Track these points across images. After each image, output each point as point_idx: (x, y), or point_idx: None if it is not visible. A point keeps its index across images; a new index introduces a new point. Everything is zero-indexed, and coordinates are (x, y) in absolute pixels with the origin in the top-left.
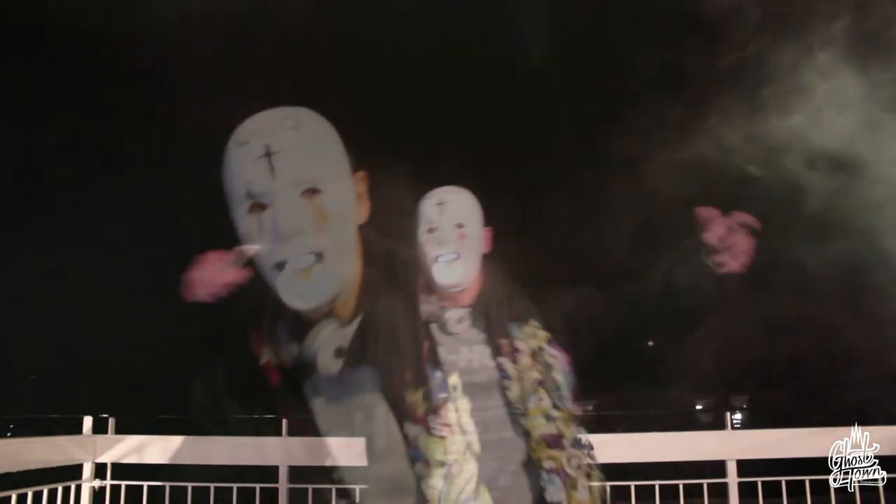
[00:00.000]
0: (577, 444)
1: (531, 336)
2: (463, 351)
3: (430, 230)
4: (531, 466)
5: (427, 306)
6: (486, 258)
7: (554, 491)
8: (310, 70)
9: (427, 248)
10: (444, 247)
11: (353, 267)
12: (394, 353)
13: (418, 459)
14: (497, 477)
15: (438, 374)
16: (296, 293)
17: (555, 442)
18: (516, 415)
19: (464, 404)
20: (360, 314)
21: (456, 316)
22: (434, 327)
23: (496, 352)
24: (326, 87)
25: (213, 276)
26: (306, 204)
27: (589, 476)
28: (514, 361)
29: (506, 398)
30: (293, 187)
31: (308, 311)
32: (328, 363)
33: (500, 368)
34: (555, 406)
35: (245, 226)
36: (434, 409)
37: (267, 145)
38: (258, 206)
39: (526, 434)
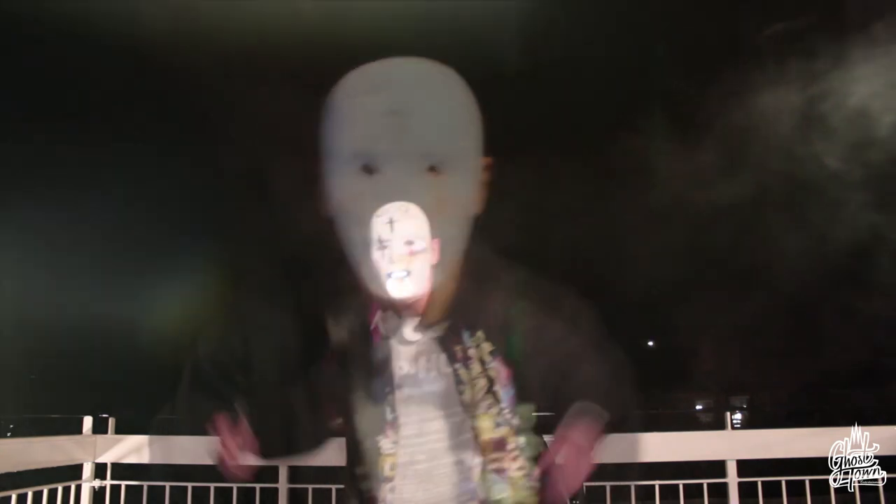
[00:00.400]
0: (519, 449)
1: (477, 346)
2: (421, 361)
3: (381, 247)
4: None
5: (385, 323)
6: (435, 267)
7: (498, 490)
8: None
9: (379, 264)
10: (394, 264)
11: (456, 265)
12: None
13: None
14: (461, 480)
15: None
16: (392, 280)
17: (499, 445)
18: (469, 418)
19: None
20: (448, 318)
21: (412, 324)
22: (393, 342)
23: (451, 358)
24: None
25: (234, 456)
26: (428, 183)
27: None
28: (467, 368)
29: (461, 403)
30: (416, 159)
31: (396, 301)
32: (402, 365)
33: (455, 374)
34: (499, 414)
35: (344, 189)
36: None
37: (394, 101)
38: (367, 169)
39: (475, 437)
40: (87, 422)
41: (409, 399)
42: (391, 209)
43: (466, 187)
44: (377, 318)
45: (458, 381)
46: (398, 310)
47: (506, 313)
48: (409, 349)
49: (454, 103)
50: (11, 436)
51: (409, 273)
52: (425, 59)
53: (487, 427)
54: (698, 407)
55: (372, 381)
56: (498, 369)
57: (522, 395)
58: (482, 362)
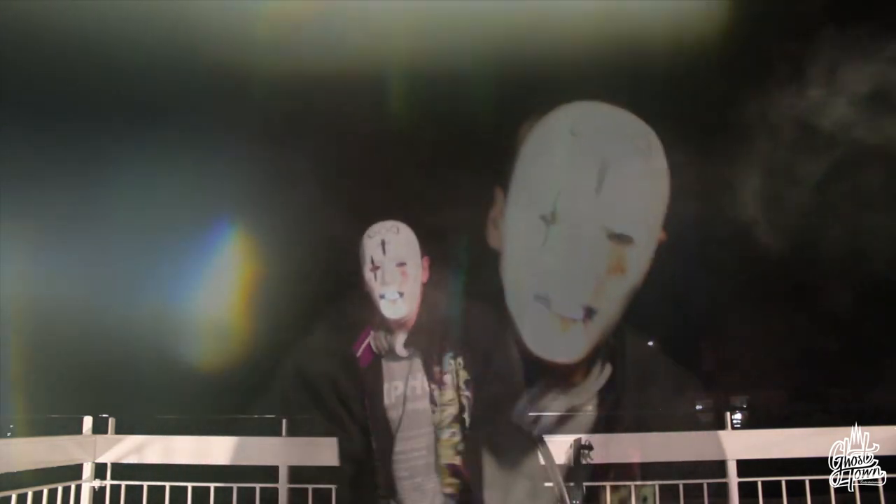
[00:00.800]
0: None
1: (455, 373)
2: (409, 380)
3: (374, 268)
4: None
5: (378, 342)
6: (426, 285)
7: None
8: None
9: (372, 285)
10: (388, 286)
11: (606, 333)
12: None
13: None
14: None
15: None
16: (544, 341)
17: (455, 472)
18: (435, 440)
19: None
20: (594, 383)
21: (401, 340)
22: (384, 361)
23: (429, 377)
24: None
25: None
26: (612, 249)
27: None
28: (441, 390)
29: (432, 422)
30: (601, 222)
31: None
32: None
33: (431, 394)
34: (462, 441)
35: (528, 230)
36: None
37: (597, 156)
38: (548, 218)
39: (436, 459)
40: (87, 422)
41: (396, 418)
42: (382, 230)
43: (640, 264)
44: (369, 338)
45: (432, 401)
46: (390, 327)
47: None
48: (400, 367)
49: (654, 173)
50: (11, 436)
51: (401, 294)
52: (634, 116)
53: (448, 453)
54: (698, 407)
55: (363, 403)
56: (469, 398)
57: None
58: (457, 388)
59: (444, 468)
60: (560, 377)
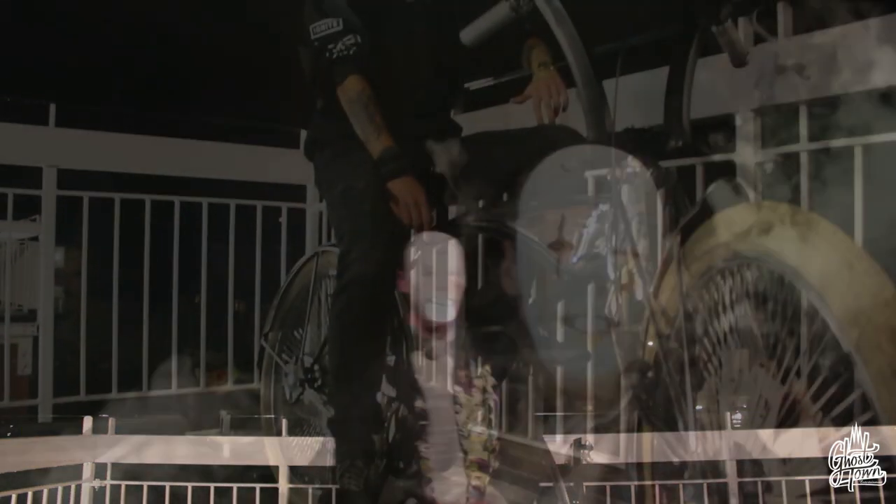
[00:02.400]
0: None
1: (483, 378)
2: (437, 378)
3: (429, 274)
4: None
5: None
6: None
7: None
8: None
9: (425, 288)
10: (441, 292)
11: None
12: None
13: None
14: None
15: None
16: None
17: (484, 466)
18: (461, 438)
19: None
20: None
21: (442, 346)
22: (429, 361)
23: (455, 380)
24: None
25: None
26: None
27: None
28: (469, 394)
29: (456, 421)
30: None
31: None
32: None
33: (454, 395)
34: (489, 440)
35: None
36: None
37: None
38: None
39: (464, 455)
40: (87, 422)
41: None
42: (439, 240)
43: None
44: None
45: (456, 402)
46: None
47: None
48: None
49: None
50: (11, 436)
51: (452, 301)
52: None
53: (477, 448)
54: (698, 407)
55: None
56: (496, 401)
57: None
58: (484, 391)
59: (473, 462)
60: None
